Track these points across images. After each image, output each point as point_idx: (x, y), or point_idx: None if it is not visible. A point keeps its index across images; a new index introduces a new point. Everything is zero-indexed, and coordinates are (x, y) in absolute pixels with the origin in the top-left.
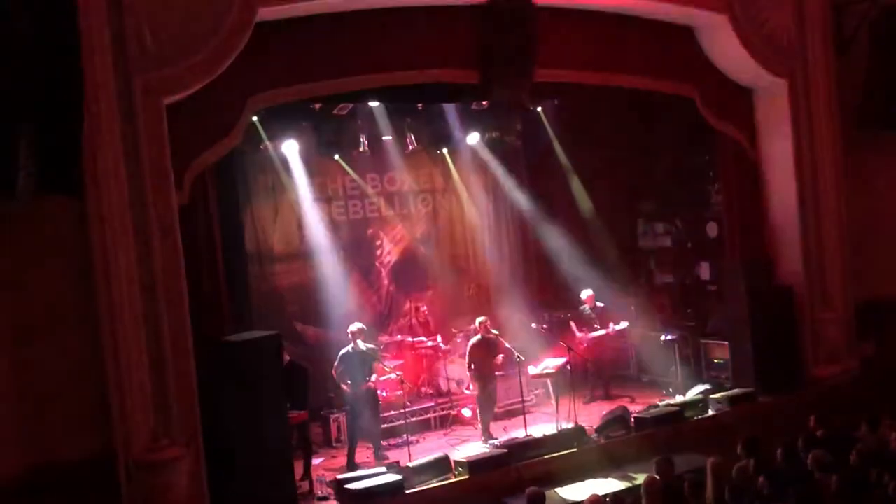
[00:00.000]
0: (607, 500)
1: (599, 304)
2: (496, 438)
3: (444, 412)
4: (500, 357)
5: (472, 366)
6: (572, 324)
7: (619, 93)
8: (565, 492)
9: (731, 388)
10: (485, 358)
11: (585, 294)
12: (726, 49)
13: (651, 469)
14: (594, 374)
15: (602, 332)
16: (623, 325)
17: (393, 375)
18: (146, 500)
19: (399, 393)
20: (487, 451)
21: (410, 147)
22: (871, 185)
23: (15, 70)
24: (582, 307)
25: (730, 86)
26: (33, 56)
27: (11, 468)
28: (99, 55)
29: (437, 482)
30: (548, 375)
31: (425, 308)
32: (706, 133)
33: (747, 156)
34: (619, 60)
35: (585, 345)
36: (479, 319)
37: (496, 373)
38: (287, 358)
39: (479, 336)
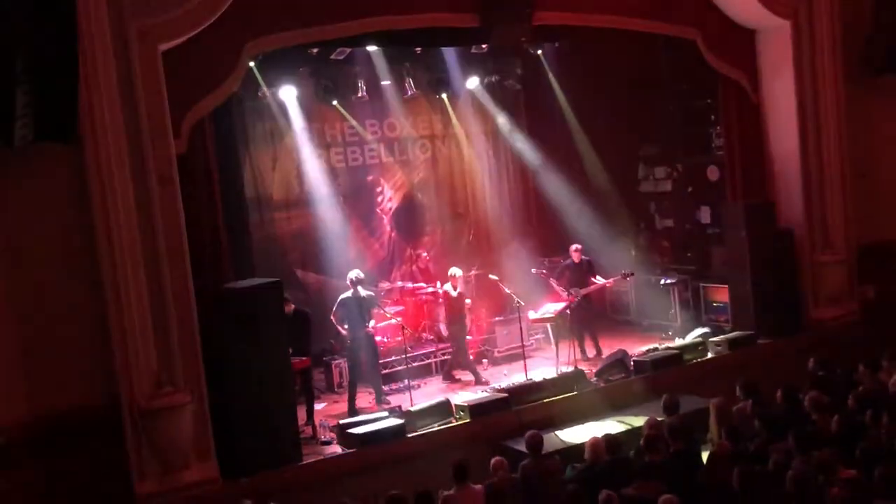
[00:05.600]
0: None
1: (585, 258)
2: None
3: (445, 357)
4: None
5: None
6: (554, 283)
7: (620, 35)
8: (565, 434)
9: (730, 332)
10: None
11: (573, 248)
12: None
13: (651, 411)
14: (577, 331)
15: (587, 289)
16: (611, 279)
17: (393, 321)
18: (151, 446)
19: (400, 338)
20: (486, 394)
21: (409, 92)
22: (874, 128)
23: (9, 18)
24: (567, 261)
25: (732, 27)
26: (27, 3)
27: (17, 417)
28: (93, 1)
29: (439, 426)
30: (548, 320)
31: (426, 254)
32: (708, 76)
33: (749, 99)
34: (619, 2)
35: (574, 301)
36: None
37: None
38: (291, 306)
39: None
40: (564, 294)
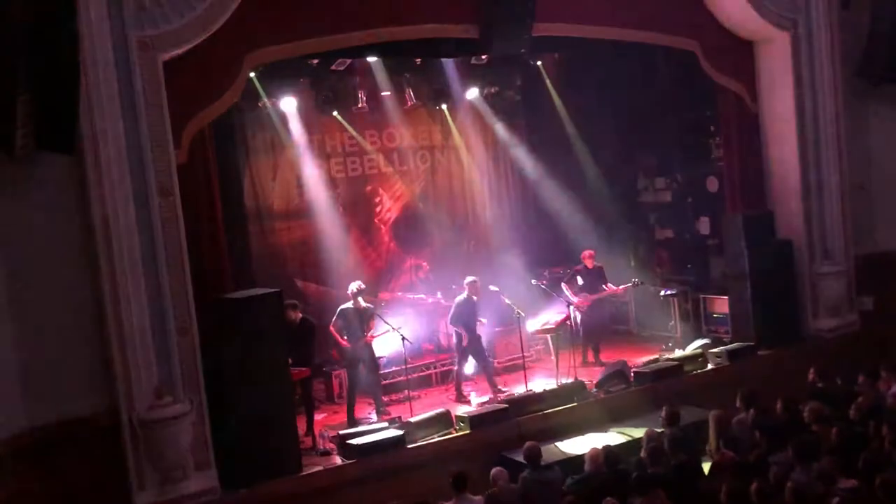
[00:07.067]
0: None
1: (597, 264)
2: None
3: (445, 368)
4: None
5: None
6: (564, 286)
7: (620, 47)
8: (565, 445)
9: (730, 343)
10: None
11: (586, 253)
12: (728, 1)
13: (652, 422)
14: (585, 336)
15: (598, 294)
16: (621, 287)
17: (394, 332)
18: (150, 457)
19: (400, 349)
20: (488, 405)
21: (409, 103)
22: (874, 137)
23: (11, 28)
24: (580, 266)
25: (731, 39)
26: (29, 14)
27: (17, 428)
28: (95, 11)
29: (439, 437)
30: (548, 331)
31: (426, 265)
32: (707, 87)
33: (748, 110)
34: (619, 13)
35: (585, 306)
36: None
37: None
38: (299, 314)
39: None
40: (575, 299)
